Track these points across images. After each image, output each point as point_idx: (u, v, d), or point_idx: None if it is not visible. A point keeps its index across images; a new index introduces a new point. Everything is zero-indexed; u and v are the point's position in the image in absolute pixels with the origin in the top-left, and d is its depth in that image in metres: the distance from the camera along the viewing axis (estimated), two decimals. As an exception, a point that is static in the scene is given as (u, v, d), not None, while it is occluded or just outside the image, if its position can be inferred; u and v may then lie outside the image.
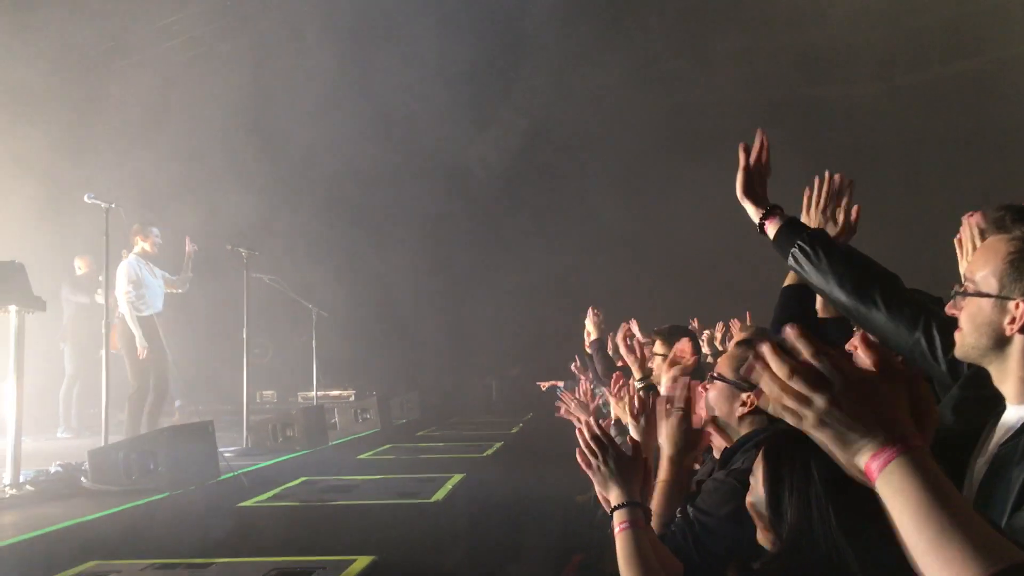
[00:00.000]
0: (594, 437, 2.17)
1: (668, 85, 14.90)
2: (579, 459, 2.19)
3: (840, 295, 2.01)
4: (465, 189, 15.29)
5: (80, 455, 6.66)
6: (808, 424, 1.06)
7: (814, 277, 2.04)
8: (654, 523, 2.48)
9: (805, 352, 1.06)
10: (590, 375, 6.05)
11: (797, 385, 1.05)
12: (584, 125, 15.00)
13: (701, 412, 2.55)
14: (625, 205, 14.37)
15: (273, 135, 12.42)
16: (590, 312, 5.91)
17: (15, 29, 9.75)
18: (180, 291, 9.15)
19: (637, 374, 3.93)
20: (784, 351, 1.08)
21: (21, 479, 6.02)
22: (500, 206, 15.71)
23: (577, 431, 2.22)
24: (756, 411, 2.25)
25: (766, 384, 1.07)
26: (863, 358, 1.11)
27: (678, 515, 2.33)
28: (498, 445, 9.35)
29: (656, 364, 4.05)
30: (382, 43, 12.92)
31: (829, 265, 2.01)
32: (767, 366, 1.08)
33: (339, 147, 13.29)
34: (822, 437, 1.06)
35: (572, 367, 7.64)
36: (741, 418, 2.29)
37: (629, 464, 2.14)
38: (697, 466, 2.98)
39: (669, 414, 2.56)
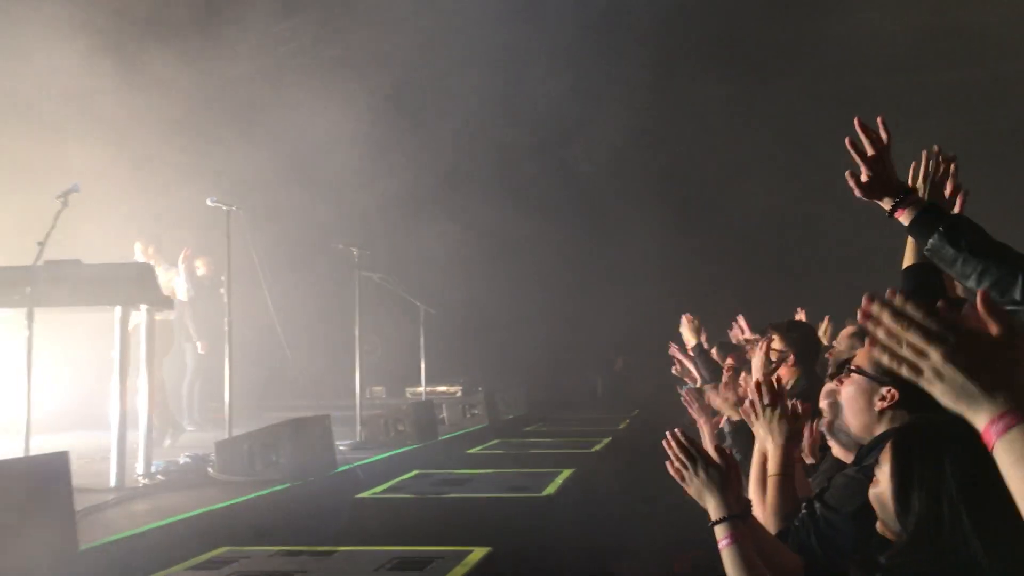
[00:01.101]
0: (682, 448, 2.17)
1: (799, 71, 14.44)
2: (671, 471, 2.19)
3: (977, 282, 1.94)
4: (571, 182, 15.28)
5: (205, 447, 6.98)
6: (924, 378, 1.05)
7: (953, 265, 1.98)
8: (771, 519, 2.45)
9: (916, 315, 1.06)
10: (696, 377, 5.95)
11: (912, 338, 1.05)
12: (694, 118, 14.78)
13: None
14: (734, 198, 14.12)
15: (381, 136, 12.68)
16: (684, 320, 5.75)
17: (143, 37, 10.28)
18: (183, 299, 9.32)
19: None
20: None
21: (152, 469, 6.37)
22: (606, 198, 15.64)
23: (664, 442, 2.22)
24: (896, 406, 2.19)
25: (882, 335, 1.07)
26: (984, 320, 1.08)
27: (803, 510, 2.30)
28: (606, 441, 9.34)
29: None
30: (495, 32, 13.00)
31: (970, 252, 1.94)
32: (883, 318, 1.07)
33: (443, 147, 13.48)
34: (938, 392, 1.05)
35: (673, 370, 7.45)
36: (880, 413, 2.24)
37: (721, 472, 2.13)
38: (810, 460, 2.93)
39: (764, 410, 2.55)
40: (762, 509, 2.54)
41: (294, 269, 11.59)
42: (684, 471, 2.15)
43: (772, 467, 2.53)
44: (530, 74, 13.08)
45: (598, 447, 8.84)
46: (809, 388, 3.55)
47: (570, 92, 13.56)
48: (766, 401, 2.54)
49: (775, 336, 4.00)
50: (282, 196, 11.47)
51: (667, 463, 2.19)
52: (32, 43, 9.16)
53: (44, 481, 3.86)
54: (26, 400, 5.85)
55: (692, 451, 2.16)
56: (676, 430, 2.22)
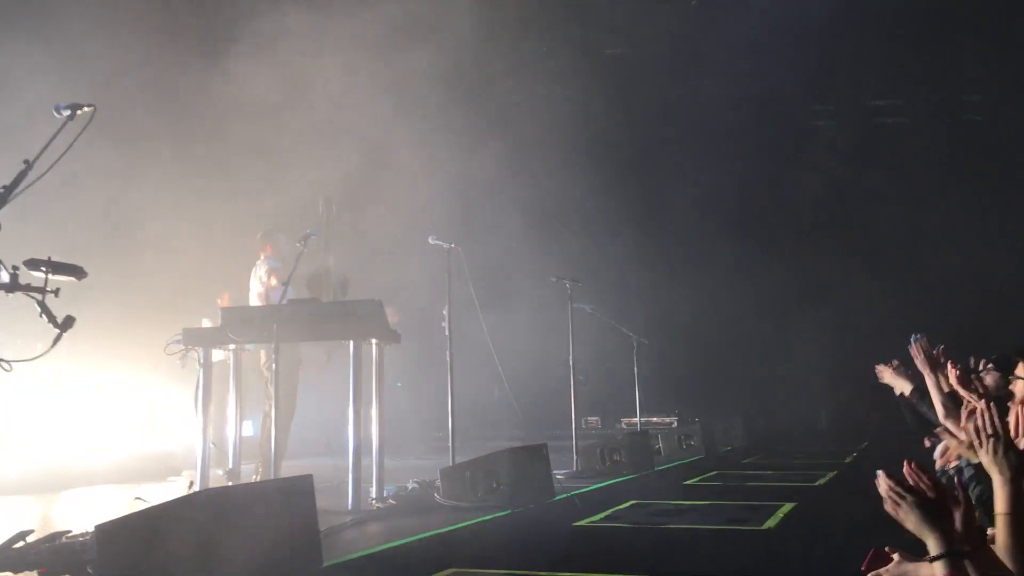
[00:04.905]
0: (890, 487, 2.11)
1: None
2: (887, 509, 2.12)
3: None
4: (783, 208, 14.89)
5: (431, 473, 7.32)
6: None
7: None
8: (1008, 562, 2.28)
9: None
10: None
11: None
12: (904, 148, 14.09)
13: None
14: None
15: (593, 175, 12.90)
16: (882, 371, 4.79)
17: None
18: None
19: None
20: None
21: (385, 494, 6.78)
22: (821, 227, 15.12)
23: (875, 482, 2.16)
24: None
25: None
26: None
27: None
28: (831, 475, 8.96)
29: (1019, 388, 3.73)
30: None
31: None
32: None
33: (660, 182, 13.51)
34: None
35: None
36: None
37: (936, 505, 2.04)
38: None
39: (986, 442, 2.35)
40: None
41: (510, 302, 11.95)
42: (896, 508, 2.09)
43: (999, 505, 2.34)
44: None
45: (822, 481, 8.49)
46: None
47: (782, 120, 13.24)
48: (989, 430, 2.36)
49: (1020, 362, 3.73)
50: (496, 232, 11.89)
51: (883, 503, 2.13)
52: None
53: (292, 500, 4.22)
54: (275, 427, 6.40)
55: (900, 487, 2.10)
56: (881, 472, 2.15)
